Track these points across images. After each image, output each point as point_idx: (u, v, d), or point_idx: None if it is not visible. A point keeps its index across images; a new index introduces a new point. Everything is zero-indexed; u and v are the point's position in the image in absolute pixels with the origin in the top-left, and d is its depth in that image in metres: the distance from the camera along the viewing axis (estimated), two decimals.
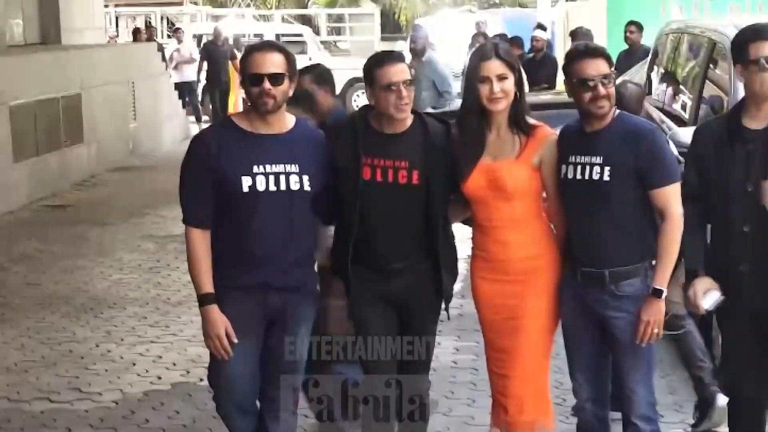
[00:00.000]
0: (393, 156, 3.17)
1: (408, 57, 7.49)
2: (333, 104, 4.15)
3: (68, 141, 10.09)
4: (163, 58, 14.44)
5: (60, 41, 11.51)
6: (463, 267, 3.39)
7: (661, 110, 5.90)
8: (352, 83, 16.19)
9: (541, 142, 3.18)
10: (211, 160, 3.09)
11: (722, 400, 3.90)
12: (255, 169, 3.07)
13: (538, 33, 10.18)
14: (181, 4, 24.69)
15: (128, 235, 7.92)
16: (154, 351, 5.18)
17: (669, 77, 6.08)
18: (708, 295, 3.13)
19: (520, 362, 3.20)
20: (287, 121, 3.18)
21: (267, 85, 3.04)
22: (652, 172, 3.09)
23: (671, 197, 3.10)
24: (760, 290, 3.11)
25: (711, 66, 5.16)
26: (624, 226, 3.12)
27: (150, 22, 20.68)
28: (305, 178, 3.10)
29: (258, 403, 3.29)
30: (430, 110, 6.69)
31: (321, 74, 4.20)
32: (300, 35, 18.25)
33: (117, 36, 18.91)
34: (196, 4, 25.64)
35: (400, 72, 3.15)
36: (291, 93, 3.16)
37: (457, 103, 4.08)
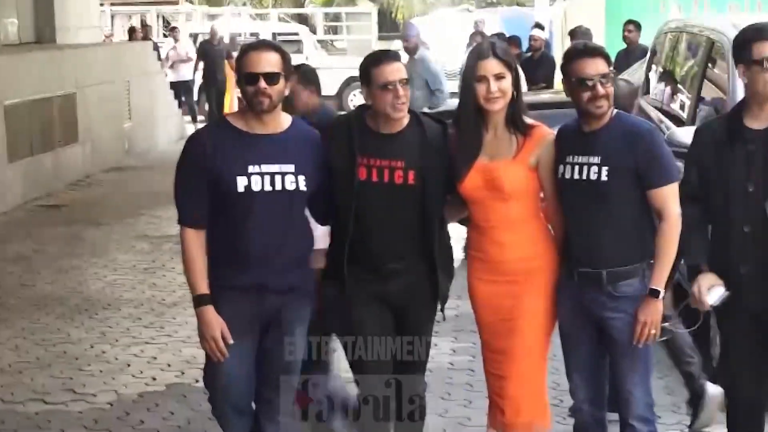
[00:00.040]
0: (389, 156, 3.16)
1: (405, 57, 7.48)
2: (318, 104, 4.14)
3: (63, 141, 10.06)
4: (159, 58, 14.42)
5: (55, 40, 11.48)
6: (459, 267, 3.37)
7: (660, 110, 5.89)
8: (348, 82, 16.19)
9: (538, 142, 3.17)
10: (207, 160, 3.08)
11: (712, 389, 3.89)
12: (250, 169, 3.06)
13: (536, 32, 10.17)
14: (176, 3, 24.64)
15: (123, 235, 7.91)
16: (148, 352, 5.17)
17: (667, 77, 6.07)
18: (713, 291, 3.11)
19: (516, 363, 3.20)
20: (283, 120, 3.17)
21: (262, 84, 3.03)
22: (650, 172, 3.08)
23: (669, 197, 3.10)
24: (760, 290, 3.10)
25: (710, 65, 5.15)
26: (622, 226, 3.11)
27: (145, 21, 20.65)
28: (301, 178, 3.09)
29: (253, 405, 3.27)
30: (426, 110, 6.67)
31: (306, 74, 4.19)
32: (296, 34, 18.24)
33: (112, 35, 18.86)
34: (192, 2, 25.61)
35: (396, 71, 3.14)
36: (287, 92, 3.14)
37: (453, 103, 4.08)
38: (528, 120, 3.20)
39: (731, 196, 3.10)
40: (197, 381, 4.45)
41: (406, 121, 3.20)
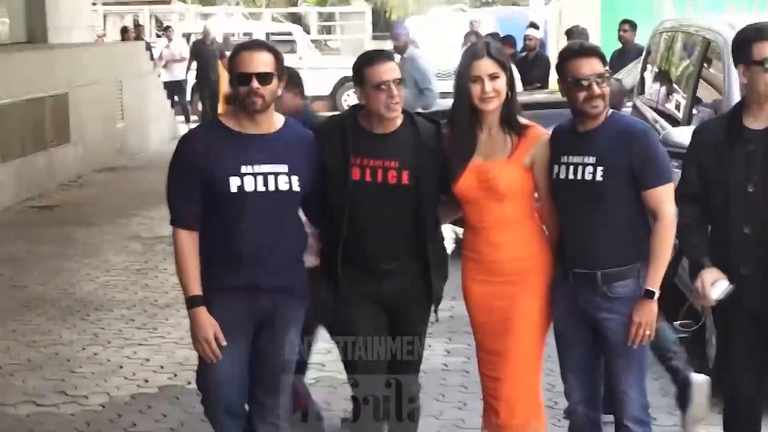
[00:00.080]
0: (383, 156, 3.15)
1: (396, 57, 7.46)
2: (302, 106, 4.15)
3: (55, 141, 10.03)
4: (152, 57, 14.39)
5: (47, 40, 11.44)
6: (453, 268, 3.36)
7: (655, 110, 5.88)
8: (342, 82, 16.17)
9: (532, 142, 3.16)
10: (199, 160, 3.06)
11: (697, 378, 3.88)
12: (243, 169, 3.05)
13: (531, 32, 10.15)
14: (169, 2, 24.60)
15: (115, 236, 7.88)
16: (141, 354, 5.15)
17: (663, 76, 6.06)
18: (717, 285, 3.08)
19: (511, 364, 3.19)
20: (276, 120, 3.16)
21: (255, 84, 3.02)
22: (645, 172, 3.07)
23: (664, 198, 3.09)
24: (760, 291, 3.09)
25: (705, 65, 5.14)
26: (617, 226, 3.11)
27: (138, 21, 20.59)
28: (294, 178, 3.08)
29: (247, 407, 3.25)
30: (419, 110, 6.66)
31: (290, 77, 4.18)
32: (290, 34, 18.21)
33: (105, 35, 18.80)
34: (184, 2, 25.55)
35: (390, 71, 3.13)
36: (279, 92, 3.13)
37: (447, 103, 4.07)
38: (522, 120, 3.19)
39: (731, 196, 3.09)
40: (190, 383, 4.42)
41: (399, 121, 3.19)
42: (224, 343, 3.06)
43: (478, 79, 3.12)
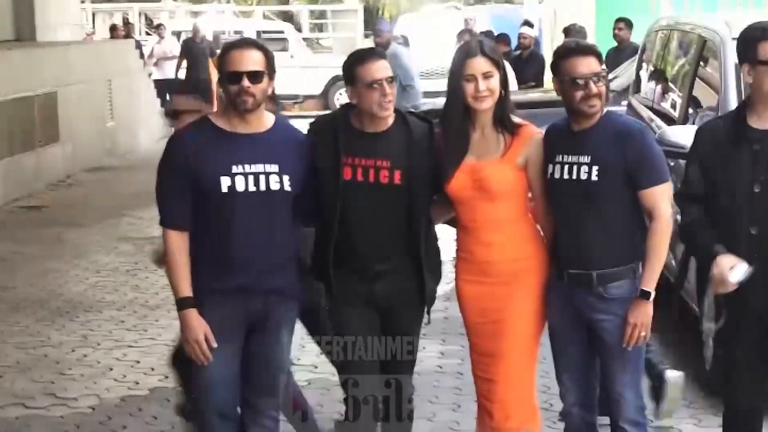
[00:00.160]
0: (374, 155, 3.14)
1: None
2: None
3: (43, 140, 9.98)
4: (141, 56, 14.32)
5: (35, 38, 11.38)
6: (448, 269, 3.33)
7: (650, 108, 5.86)
8: (334, 81, 16.13)
9: (526, 142, 3.15)
10: (189, 160, 3.04)
11: (671, 374, 3.88)
12: (234, 169, 3.03)
13: (525, 30, 10.10)
14: (159, 0, 24.51)
15: (105, 236, 7.85)
16: (131, 355, 5.13)
17: (658, 75, 6.05)
18: (735, 269, 3.02)
19: (504, 366, 3.17)
20: (266, 120, 3.14)
21: (246, 83, 3.00)
22: (640, 172, 3.05)
23: (660, 197, 3.07)
24: (767, 292, 3.06)
25: (701, 64, 5.13)
26: (612, 226, 3.09)
27: (127, 19, 20.51)
28: (285, 178, 3.06)
29: (239, 410, 3.22)
30: (411, 109, 6.63)
31: None
32: (281, 32, 18.17)
33: (94, 33, 18.72)
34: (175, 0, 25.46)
35: (382, 69, 3.11)
36: (270, 91, 3.11)
37: (439, 102, 4.05)
38: (516, 119, 3.17)
39: (737, 197, 3.06)
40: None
41: (391, 120, 3.17)
42: (215, 345, 3.04)
43: (471, 77, 3.10)
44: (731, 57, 4.53)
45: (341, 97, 15.53)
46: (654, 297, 3.07)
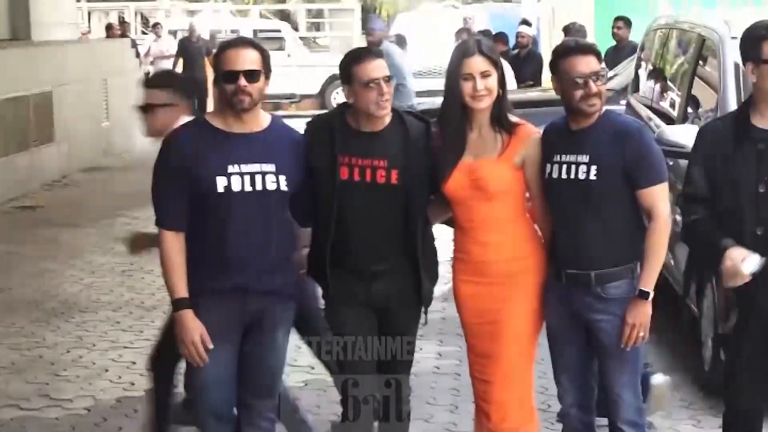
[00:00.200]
0: (371, 155, 3.12)
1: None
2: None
3: (38, 140, 9.96)
4: (137, 55, 14.29)
5: (30, 37, 11.33)
6: (445, 270, 3.32)
7: (649, 107, 5.84)
8: (331, 80, 16.10)
9: (523, 141, 3.13)
10: (184, 160, 3.03)
11: (656, 379, 3.86)
12: (230, 168, 3.01)
13: (523, 29, 10.08)
14: None
15: (100, 237, 7.83)
16: (127, 356, 5.11)
17: (657, 74, 6.04)
18: (747, 260, 2.98)
19: (501, 367, 3.16)
20: (262, 119, 3.12)
21: (243, 82, 2.99)
22: (639, 171, 3.04)
23: (659, 197, 3.06)
24: None
25: (700, 62, 5.12)
26: (610, 226, 3.07)
27: (123, 18, 20.48)
28: (282, 177, 3.04)
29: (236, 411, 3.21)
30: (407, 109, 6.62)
31: (174, 84, 4.10)
32: (278, 31, 18.13)
33: (89, 32, 18.69)
34: None
35: (379, 68, 3.10)
36: (265, 90, 3.09)
37: (436, 101, 4.03)
38: (513, 118, 3.16)
39: (741, 197, 3.04)
40: (176, 386, 4.36)
41: (388, 119, 3.16)
42: (211, 346, 3.02)
43: (469, 76, 3.08)
44: (730, 56, 4.53)
45: (338, 97, 15.51)
46: (653, 297, 3.05)
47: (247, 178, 3.01)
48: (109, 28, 16.52)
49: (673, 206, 3.29)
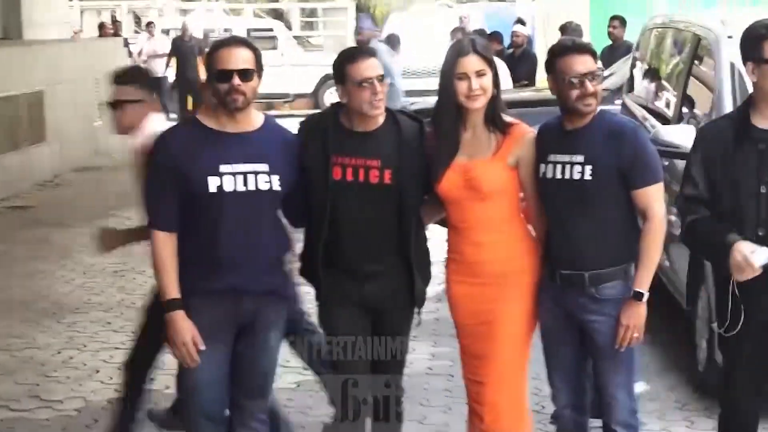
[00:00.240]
0: (364, 155, 3.11)
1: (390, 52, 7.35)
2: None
3: (30, 140, 9.92)
4: (130, 54, 14.25)
5: (21, 36, 11.30)
6: (438, 270, 3.30)
7: (644, 107, 5.83)
8: (325, 80, 16.07)
9: (517, 141, 3.12)
10: (176, 160, 3.01)
11: (638, 387, 3.82)
12: (222, 168, 3.00)
13: (518, 28, 10.06)
14: None
15: (92, 237, 7.76)
16: (118, 358, 5.05)
17: (652, 74, 6.03)
18: (757, 253, 2.94)
19: (494, 368, 3.15)
20: (255, 119, 3.11)
21: (237, 81, 2.98)
22: (634, 171, 3.03)
23: (654, 197, 3.05)
24: None
25: (696, 62, 5.10)
26: (605, 227, 3.06)
27: (116, 17, 20.43)
28: (275, 177, 3.03)
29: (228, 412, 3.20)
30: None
31: (134, 76, 4.08)
32: (271, 30, 18.09)
33: (81, 31, 18.61)
34: None
35: (373, 67, 3.09)
36: (258, 90, 3.08)
37: (430, 101, 4.01)
38: (507, 118, 3.15)
39: (742, 198, 3.02)
40: (168, 387, 4.34)
41: (381, 119, 3.15)
42: (202, 347, 3.01)
43: (464, 76, 3.07)
44: (726, 55, 4.52)
45: (332, 96, 15.48)
46: (647, 298, 3.04)
47: (239, 177, 2.99)
48: (101, 27, 16.47)
49: (668, 207, 3.28)
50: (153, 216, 3.06)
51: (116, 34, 15.80)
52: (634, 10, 11.66)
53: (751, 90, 3.10)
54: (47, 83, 10.28)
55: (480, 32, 10.28)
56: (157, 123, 3.65)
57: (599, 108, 3.09)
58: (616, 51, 9.05)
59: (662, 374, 4.58)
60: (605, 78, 6.25)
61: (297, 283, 3.33)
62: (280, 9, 26.73)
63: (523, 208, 3.20)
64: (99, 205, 8.95)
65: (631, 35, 8.94)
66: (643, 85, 6.19)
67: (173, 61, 14.26)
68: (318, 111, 3.53)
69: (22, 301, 6.07)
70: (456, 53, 3.11)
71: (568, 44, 3.10)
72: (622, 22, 9.63)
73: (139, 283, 6.40)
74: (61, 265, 6.92)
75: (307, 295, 3.36)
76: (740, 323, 2.99)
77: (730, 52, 4.40)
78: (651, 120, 5.45)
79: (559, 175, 3.05)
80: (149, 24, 16.53)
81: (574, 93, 3.01)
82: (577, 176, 3.02)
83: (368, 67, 3.07)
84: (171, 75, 14.57)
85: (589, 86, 3.00)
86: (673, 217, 3.60)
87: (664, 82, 5.69)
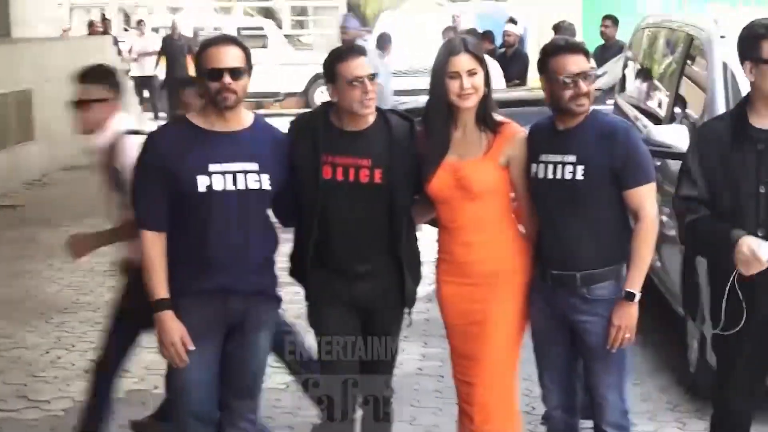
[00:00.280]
0: (354, 154, 3.10)
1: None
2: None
3: (18, 139, 9.87)
4: (119, 52, 14.20)
5: (10, 34, 11.23)
6: (429, 270, 3.29)
7: (636, 107, 5.83)
8: (315, 78, 16.05)
9: (508, 140, 3.11)
10: (164, 159, 2.99)
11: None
12: (212, 167, 2.98)
13: (510, 27, 10.04)
14: None
15: None
16: None
17: (644, 73, 6.02)
18: (763, 247, 2.93)
19: (484, 369, 3.14)
20: (245, 118, 3.10)
21: (227, 79, 2.96)
22: (626, 171, 3.02)
23: (646, 197, 3.04)
24: None
25: (688, 62, 5.09)
26: (597, 227, 3.06)
27: (105, 15, 20.35)
28: (264, 177, 3.01)
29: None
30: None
31: (102, 74, 4.06)
32: (261, 29, 18.06)
33: (70, 29, 18.53)
34: None
35: (363, 66, 3.08)
36: (247, 88, 3.06)
37: (421, 100, 3.99)
38: (498, 117, 3.14)
39: (741, 198, 3.01)
40: (157, 387, 4.37)
41: (372, 118, 3.13)
42: (191, 348, 2.99)
43: (455, 75, 3.06)
44: (719, 55, 4.51)
45: (322, 95, 15.46)
46: (639, 298, 3.03)
47: (229, 177, 2.98)
48: (90, 25, 16.41)
49: (660, 207, 3.26)
50: (142, 216, 3.04)
51: (105, 32, 15.76)
52: (627, 10, 11.68)
53: (743, 90, 3.09)
54: (35, 82, 10.23)
55: (472, 31, 10.26)
56: (121, 122, 3.63)
57: (591, 108, 3.09)
58: (608, 50, 9.05)
59: (654, 375, 4.58)
60: (597, 77, 6.26)
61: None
62: (270, 7, 26.70)
63: (514, 208, 3.19)
64: (87, 205, 8.90)
65: (623, 35, 8.96)
66: (635, 85, 6.19)
67: (163, 60, 14.21)
68: (308, 110, 3.51)
69: (10, 301, 6.04)
70: (447, 52, 3.09)
71: (561, 44, 3.09)
72: (615, 21, 9.64)
73: None
74: (49, 264, 6.89)
75: (296, 295, 3.34)
76: (742, 321, 2.97)
77: (723, 52, 4.40)
78: (643, 120, 5.44)
79: (550, 175, 3.04)
80: (139, 22, 16.49)
81: (567, 93, 3.00)
82: (568, 176, 3.01)
83: (359, 66, 3.05)
84: (161, 73, 14.53)
85: (583, 86, 2.99)
86: (665, 218, 3.59)
87: (656, 82, 5.69)
